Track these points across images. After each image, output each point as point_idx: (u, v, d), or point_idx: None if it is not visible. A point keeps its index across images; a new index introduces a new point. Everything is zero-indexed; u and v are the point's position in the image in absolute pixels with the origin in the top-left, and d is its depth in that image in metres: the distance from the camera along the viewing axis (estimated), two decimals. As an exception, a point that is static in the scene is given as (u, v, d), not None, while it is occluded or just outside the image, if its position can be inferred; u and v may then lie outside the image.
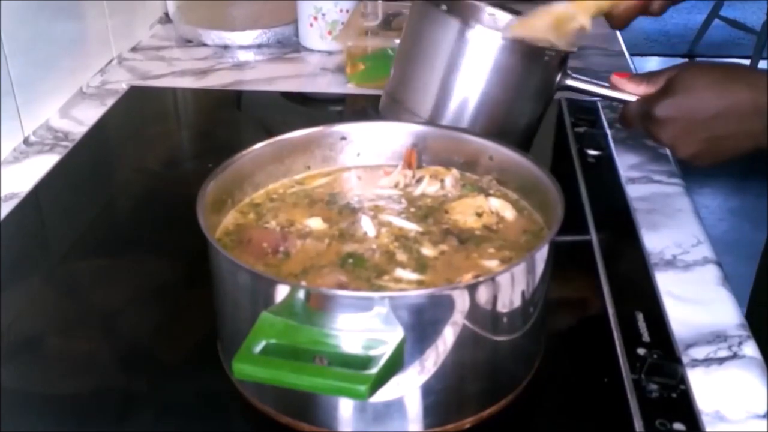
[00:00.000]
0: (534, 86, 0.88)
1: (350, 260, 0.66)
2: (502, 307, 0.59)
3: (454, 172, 0.78)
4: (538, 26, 0.82)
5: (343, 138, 0.79)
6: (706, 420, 0.63)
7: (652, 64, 3.95)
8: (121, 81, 1.24)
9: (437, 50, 0.85)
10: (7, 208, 0.91)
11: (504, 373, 0.64)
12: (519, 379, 0.65)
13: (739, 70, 0.77)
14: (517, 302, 0.61)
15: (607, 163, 0.98)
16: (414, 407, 0.59)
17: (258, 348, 0.54)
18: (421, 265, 0.66)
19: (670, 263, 0.82)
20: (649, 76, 0.82)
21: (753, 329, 0.73)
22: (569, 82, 0.88)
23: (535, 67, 0.86)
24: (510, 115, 0.87)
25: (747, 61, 3.67)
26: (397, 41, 0.99)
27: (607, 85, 0.86)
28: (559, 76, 0.87)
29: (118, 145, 1.11)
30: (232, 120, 1.19)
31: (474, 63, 0.84)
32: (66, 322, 0.75)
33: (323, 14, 1.32)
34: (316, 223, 0.71)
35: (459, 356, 0.58)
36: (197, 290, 0.71)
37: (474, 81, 0.85)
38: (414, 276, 0.64)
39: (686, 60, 0.91)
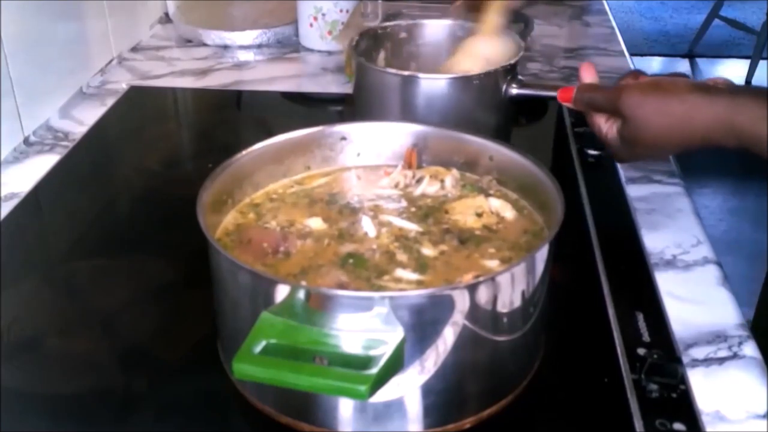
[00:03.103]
0: (478, 105, 0.96)
1: (350, 260, 0.66)
2: (502, 307, 0.59)
3: (454, 172, 0.78)
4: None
5: (343, 138, 0.79)
6: (706, 420, 0.63)
7: (653, 64, 3.95)
8: (121, 81, 1.24)
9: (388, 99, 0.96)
10: (7, 208, 0.91)
11: (504, 373, 0.64)
12: (519, 379, 0.65)
13: (672, 89, 0.77)
14: (517, 302, 0.61)
15: (607, 163, 0.98)
16: (414, 407, 0.59)
17: (258, 348, 0.54)
18: (421, 265, 0.66)
19: (670, 263, 0.82)
20: (594, 92, 0.83)
21: (758, 333, 0.73)
22: (514, 91, 0.96)
23: (467, 92, 0.95)
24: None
25: (747, 62, 3.67)
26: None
27: (552, 89, 0.91)
28: (504, 88, 0.96)
29: (118, 145, 1.11)
30: (232, 120, 1.19)
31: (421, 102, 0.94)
32: (66, 322, 0.75)
33: (323, 14, 1.32)
34: (316, 223, 0.71)
35: (459, 356, 0.58)
36: (197, 290, 0.71)
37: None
38: (414, 276, 0.64)
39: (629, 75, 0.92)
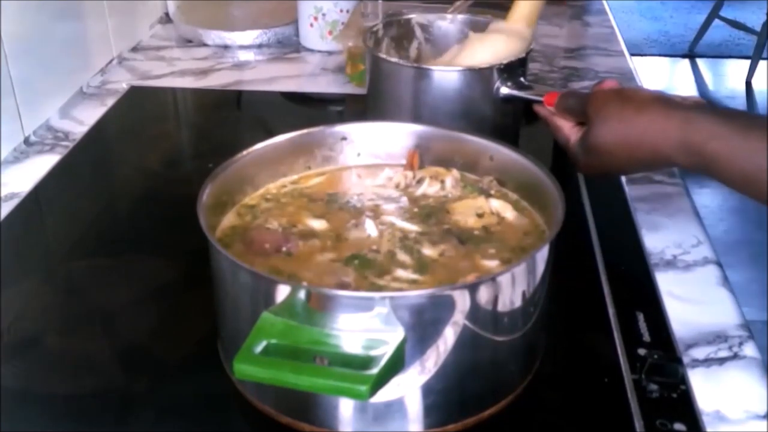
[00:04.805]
0: (470, 101, 0.96)
1: (351, 261, 0.66)
2: (503, 307, 0.59)
3: (455, 172, 0.78)
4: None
5: (344, 138, 0.79)
6: (706, 420, 0.63)
7: (653, 64, 3.95)
8: (121, 81, 1.24)
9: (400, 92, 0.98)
10: (7, 208, 0.91)
11: (504, 373, 0.64)
12: (519, 379, 0.65)
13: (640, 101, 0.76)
14: (518, 302, 0.61)
15: (607, 163, 0.98)
16: (414, 407, 0.59)
17: (258, 348, 0.54)
18: (421, 265, 0.66)
19: (671, 263, 0.82)
20: (573, 97, 0.84)
21: None
22: (503, 92, 0.95)
23: (464, 85, 0.96)
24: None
25: (747, 62, 3.67)
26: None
27: (538, 93, 0.91)
28: (495, 87, 0.95)
29: (118, 145, 1.11)
30: (232, 120, 1.19)
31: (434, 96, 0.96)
32: (66, 322, 0.75)
33: (323, 14, 1.32)
34: (317, 224, 0.71)
35: (459, 356, 0.58)
36: (197, 290, 0.71)
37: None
38: (415, 276, 0.64)
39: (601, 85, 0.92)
